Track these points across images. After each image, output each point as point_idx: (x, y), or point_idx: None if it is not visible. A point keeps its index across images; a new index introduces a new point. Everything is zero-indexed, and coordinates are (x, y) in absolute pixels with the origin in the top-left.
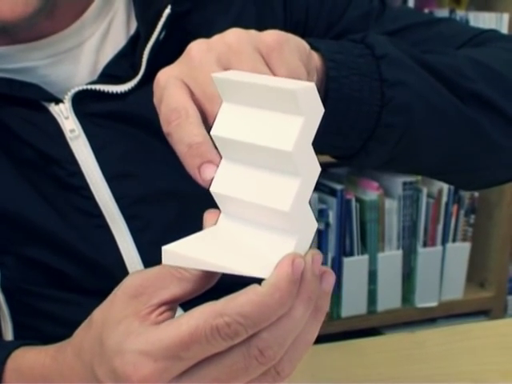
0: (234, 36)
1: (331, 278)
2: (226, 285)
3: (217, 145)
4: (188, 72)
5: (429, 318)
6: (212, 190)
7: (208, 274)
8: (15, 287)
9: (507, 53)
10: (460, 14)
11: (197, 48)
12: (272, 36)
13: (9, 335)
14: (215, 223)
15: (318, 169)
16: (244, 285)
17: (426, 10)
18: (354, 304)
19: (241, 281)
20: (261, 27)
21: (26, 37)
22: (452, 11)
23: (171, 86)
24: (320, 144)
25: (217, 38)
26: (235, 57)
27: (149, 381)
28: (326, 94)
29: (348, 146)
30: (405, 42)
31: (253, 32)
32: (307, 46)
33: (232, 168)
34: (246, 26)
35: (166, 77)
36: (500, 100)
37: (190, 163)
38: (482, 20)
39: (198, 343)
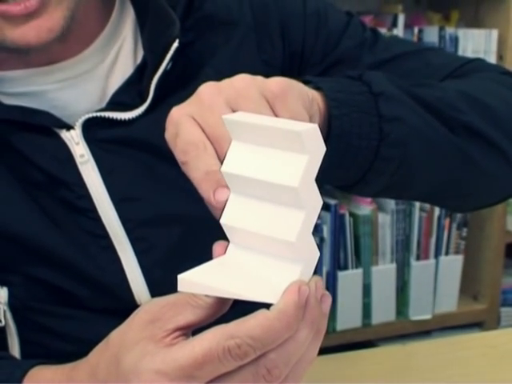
0: (242, 81)
1: (329, 300)
2: (235, 313)
3: (226, 180)
4: (199, 112)
5: (423, 331)
6: (222, 222)
7: (220, 302)
8: (22, 305)
9: (494, 84)
10: (449, 30)
11: (207, 91)
12: (277, 83)
13: (16, 351)
14: (224, 253)
15: (321, 202)
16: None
17: (416, 28)
18: (348, 317)
19: (248, 308)
20: (261, 55)
21: (38, 61)
22: (442, 28)
23: (186, 123)
24: (323, 177)
25: (226, 82)
26: (243, 101)
27: None
28: (329, 130)
29: (349, 177)
30: (396, 74)
31: (259, 78)
32: (309, 93)
33: (241, 202)
34: (247, 55)
35: (179, 115)
36: (489, 130)
37: (206, 187)
38: (472, 37)
39: (211, 363)
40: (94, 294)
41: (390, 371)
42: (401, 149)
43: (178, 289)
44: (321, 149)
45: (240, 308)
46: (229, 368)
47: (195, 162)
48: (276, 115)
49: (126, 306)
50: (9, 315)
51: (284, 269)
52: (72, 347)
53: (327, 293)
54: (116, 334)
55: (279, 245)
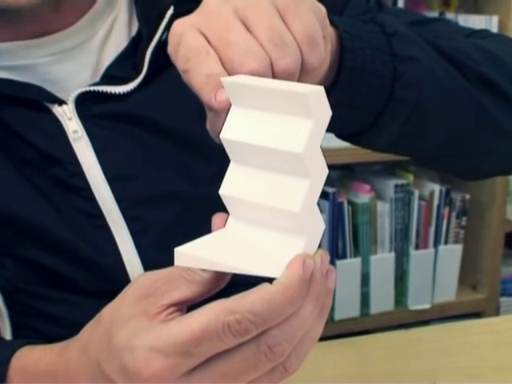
0: None
1: (334, 276)
2: (235, 287)
3: (226, 148)
4: (205, 22)
5: (422, 320)
6: (221, 192)
7: (217, 277)
8: (14, 288)
9: (506, 46)
10: (449, 16)
11: (214, 1)
12: None
13: (7, 335)
14: (224, 226)
15: (326, 170)
16: (253, 286)
17: None
18: (346, 307)
19: (249, 282)
20: None
21: (30, 32)
22: (441, 14)
23: (189, 32)
24: (331, 121)
25: None
26: (252, 10)
27: (159, 376)
28: (340, 64)
29: (359, 120)
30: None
31: None
32: (323, 9)
33: (241, 171)
34: None
35: (183, 26)
36: (504, 84)
37: (207, 90)
38: (472, 22)
39: (209, 340)
40: (88, 275)
41: (392, 357)
42: (415, 90)
43: (175, 262)
44: (327, 113)
45: (240, 283)
46: (228, 345)
47: (196, 67)
48: (287, 25)
49: (120, 287)
50: (0, 298)
51: (287, 241)
52: (65, 331)
53: (333, 268)
54: (108, 311)
55: (282, 216)
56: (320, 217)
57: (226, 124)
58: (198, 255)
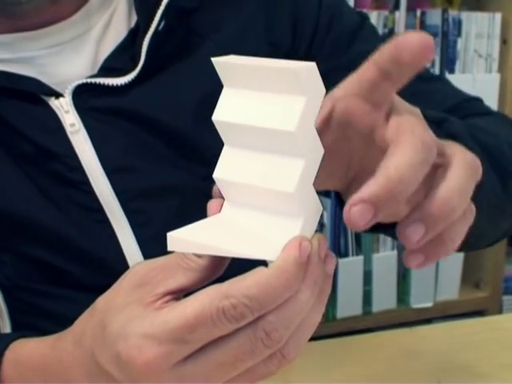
0: None
1: (333, 261)
2: (232, 275)
3: (218, 130)
4: None
5: (424, 319)
6: (215, 176)
7: (215, 264)
8: (13, 285)
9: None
10: (452, 14)
11: None
12: None
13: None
14: (219, 211)
15: (322, 150)
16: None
17: (419, 10)
18: (349, 305)
19: (247, 268)
20: (269, 37)
21: (28, 24)
22: (444, 11)
23: None
24: None
25: None
26: None
27: (153, 364)
28: None
29: None
30: (404, 92)
31: None
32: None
33: (235, 153)
34: (253, 34)
35: None
36: None
37: None
38: (475, 20)
39: (204, 325)
40: (89, 270)
41: (396, 356)
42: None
43: (168, 247)
44: (320, 90)
45: (236, 268)
46: (224, 331)
47: None
48: None
49: None
50: None
51: (283, 224)
52: (65, 328)
53: (332, 253)
54: (102, 300)
55: (277, 198)
56: (317, 198)
57: (218, 106)
58: (191, 240)
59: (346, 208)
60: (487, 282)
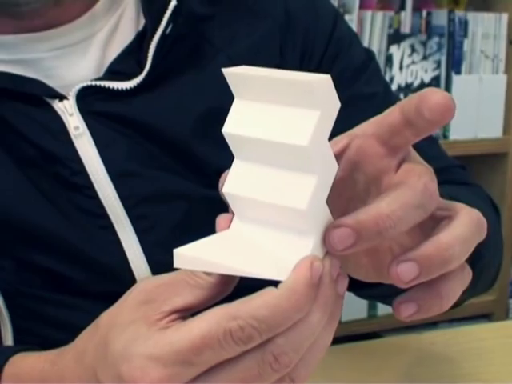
0: None
1: (345, 281)
2: (242, 294)
3: (229, 143)
4: None
5: (430, 322)
6: (225, 190)
7: (223, 282)
8: (15, 291)
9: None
10: (459, 14)
11: None
12: None
13: (9, 340)
14: (228, 227)
15: (336, 166)
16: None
17: (425, 11)
18: (354, 308)
19: (256, 286)
20: (278, 60)
21: (32, 26)
22: (450, 12)
23: None
24: None
25: None
26: None
27: None
28: None
29: None
30: None
31: None
32: None
33: (245, 167)
34: (266, 55)
35: None
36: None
37: None
38: (481, 20)
39: (210, 347)
40: (92, 277)
41: (405, 362)
42: None
43: (174, 265)
44: (335, 104)
45: (244, 288)
46: (231, 354)
47: None
48: None
49: (126, 289)
50: (1, 302)
51: (294, 242)
52: (67, 335)
53: (343, 273)
54: (106, 316)
55: (289, 214)
56: (330, 216)
57: (228, 118)
58: (198, 257)
59: (328, 228)
60: (494, 286)
